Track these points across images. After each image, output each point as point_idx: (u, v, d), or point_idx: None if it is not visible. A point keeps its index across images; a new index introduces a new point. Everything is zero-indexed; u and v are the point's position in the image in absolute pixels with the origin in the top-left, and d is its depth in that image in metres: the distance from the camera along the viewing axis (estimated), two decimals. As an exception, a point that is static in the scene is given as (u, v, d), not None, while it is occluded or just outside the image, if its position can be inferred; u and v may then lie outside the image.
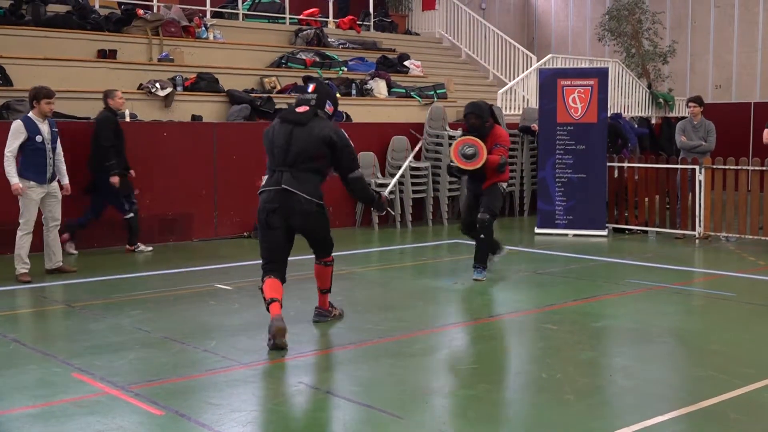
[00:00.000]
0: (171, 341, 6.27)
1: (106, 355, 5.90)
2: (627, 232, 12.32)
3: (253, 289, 7.82)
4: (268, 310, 6.16)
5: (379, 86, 14.80)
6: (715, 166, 11.29)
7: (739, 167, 11.13)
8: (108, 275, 9.00)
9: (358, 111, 14.04)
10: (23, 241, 8.62)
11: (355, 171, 6.49)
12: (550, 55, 17.07)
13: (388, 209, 6.99)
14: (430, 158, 13.64)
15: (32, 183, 8.59)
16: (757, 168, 10.97)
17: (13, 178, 8.47)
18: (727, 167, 11.21)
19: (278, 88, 13.86)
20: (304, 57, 14.97)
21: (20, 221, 8.66)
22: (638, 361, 5.92)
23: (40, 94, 8.64)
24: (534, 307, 7.71)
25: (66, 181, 8.98)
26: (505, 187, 8.76)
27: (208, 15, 15.70)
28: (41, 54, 11.98)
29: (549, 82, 12.36)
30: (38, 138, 8.59)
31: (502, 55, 18.68)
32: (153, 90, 12.00)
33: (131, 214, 10.31)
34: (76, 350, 6.03)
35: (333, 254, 6.77)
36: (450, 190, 13.67)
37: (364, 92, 14.65)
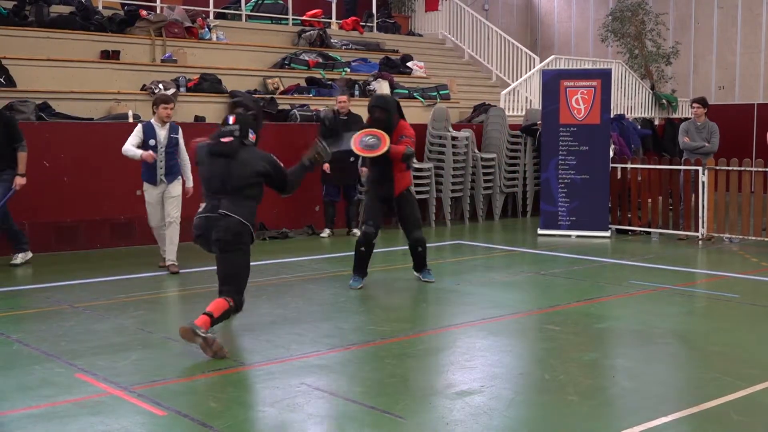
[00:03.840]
0: (173, 342, 6.27)
1: (108, 356, 5.91)
2: (630, 233, 12.31)
3: (255, 290, 7.83)
4: None
5: (382, 87, 14.79)
6: (718, 167, 11.27)
7: (742, 168, 11.11)
8: (110, 276, 9.01)
9: (361, 112, 13.98)
10: (155, 235, 9.46)
11: (287, 189, 6.68)
12: (553, 56, 17.06)
13: (319, 152, 7.02)
14: (433, 159, 13.63)
15: (146, 185, 9.18)
16: (760, 169, 10.96)
17: (137, 152, 8.99)
18: (730, 168, 11.19)
19: (281, 89, 13.86)
20: (307, 58, 14.97)
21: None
22: (641, 362, 5.92)
23: (158, 100, 9.22)
24: (537, 308, 7.71)
25: (190, 184, 9.38)
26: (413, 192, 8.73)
27: (211, 16, 15.72)
28: (44, 55, 11.99)
29: (552, 83, 12.35)
30: (151, 142, 9.05)
31: (505, 56, 18.68)
32: (156, 91, 11.99)
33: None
34: (79, 351, 6.04)
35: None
36: (453, 191, 13.68)
37: (367, 93, 14.64)
